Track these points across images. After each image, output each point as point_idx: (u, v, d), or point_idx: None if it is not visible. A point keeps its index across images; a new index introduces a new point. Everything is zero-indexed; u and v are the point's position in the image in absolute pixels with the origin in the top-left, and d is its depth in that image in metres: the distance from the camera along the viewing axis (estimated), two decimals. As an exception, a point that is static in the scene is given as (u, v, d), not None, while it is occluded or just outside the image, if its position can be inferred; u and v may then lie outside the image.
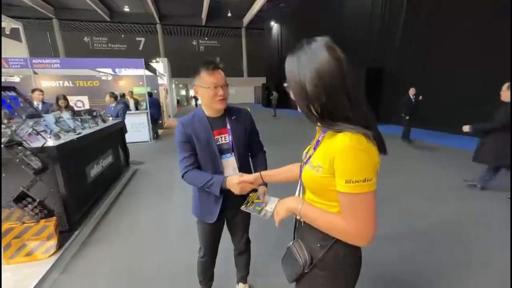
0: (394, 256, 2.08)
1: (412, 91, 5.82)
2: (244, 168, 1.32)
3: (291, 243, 0.90)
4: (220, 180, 1.19)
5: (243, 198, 1.23)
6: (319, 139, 0.79)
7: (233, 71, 27.51)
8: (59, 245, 2.14)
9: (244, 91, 28.19)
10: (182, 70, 24.79)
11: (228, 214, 1.42)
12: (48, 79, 7.46)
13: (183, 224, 2.69)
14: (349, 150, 0.66)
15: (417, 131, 6.83)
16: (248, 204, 1.25)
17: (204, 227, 1.41)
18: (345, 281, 0.81)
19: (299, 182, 0.90)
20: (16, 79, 7.40)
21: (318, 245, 0.81)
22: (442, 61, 7.06)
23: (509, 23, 5.52)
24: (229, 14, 23.58)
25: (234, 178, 1.16)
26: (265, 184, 1.29)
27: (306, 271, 0.82)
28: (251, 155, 1.45)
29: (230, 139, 1.28)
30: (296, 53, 0.73)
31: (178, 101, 24.51)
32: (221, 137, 1.28)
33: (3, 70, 6.28)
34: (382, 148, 0.72)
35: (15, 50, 8.81)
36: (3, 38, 8.25)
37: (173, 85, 18.34)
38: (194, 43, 27.32)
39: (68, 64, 6.55)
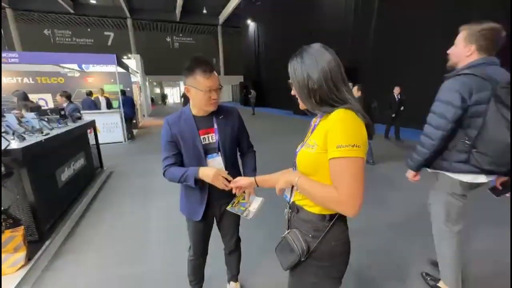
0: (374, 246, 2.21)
1: (396, 90, 6.06)
2: (231, 167, 1.32)
3: (285, 232, 0.94)
4: (194, 171, 1.19)
5: (229, 196, 1.25)
6: (316, 124, 0.87)
7: (210, 69, 27.05)
8: (28, 257, 1.95)
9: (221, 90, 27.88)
10: (156, 67, 23.88)
11: (217, 213, 1.42)
12: (6, 75, 6.76)
13: (163, 229, 2.59)
14: (340, 120, 0.74)
15: (405, 131, 6.92)
16: (234, 204, 1.28)
17: (192, 225, 1.40)
18: (336, 268, 0.87)
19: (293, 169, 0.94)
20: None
21: (310, 235, 0.86)
22: (416, 58, 7.51)
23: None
24: (205, 11, 23.13)
25: (208, 169, 1.18)
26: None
27: (302, 259, 0.86)
28: (241, 154, 1.45)
29: (217, 139, 1.28)
30: (299, 55, 0.84)
31: (152, 100, 23.55)
32: (208, 137, 1.28)
33: None
34: (369, 132, 0.79)
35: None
36: None
37: (147, 83, 17.55)
38: (168, 39, 26.38)
39: (29, 58, 5.96)
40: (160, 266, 2.05)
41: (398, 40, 8.08)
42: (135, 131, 8.55)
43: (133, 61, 11.85)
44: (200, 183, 1.23)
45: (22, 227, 1.96)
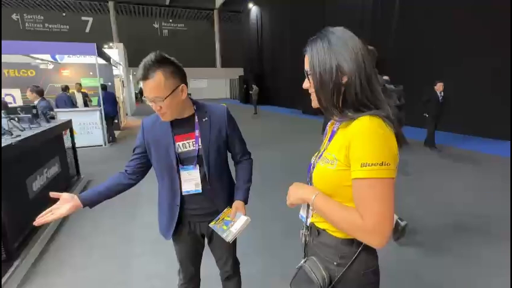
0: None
1: (439, 87, 5.68)
2: (216, 181, 1.28)
3: (302, 262, 0.92)
4: (82, 196, 1.20)
5: (206, 210, 1.29)
6: (334, 130, 0.85)
7: (204, 61, 27.32)
8: (-5, 281, 1.97)
9: (217, 84, 28.05)
10: (140, 58, 23.84)
11: (204, 231, 1.39)
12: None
13: (149, 250, 2.60)
14: (366, 132, 0.70)
15: (443, 135, 6.78)
16: (218, 221, 1.29)
17: (176, 243, 1.40)
18: None
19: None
20: None
21: (335, 263, 0.84)
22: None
23: (509, 23, 6.11)
24: (199, -8, 23.45)
25: (62, 202, 1.14)
26: (245, 200, 1.35)
27: None
28: (234, 163, 1.43)
29: (197, 147, 1.23)
30: (324, 37, 0.77)
31: (137, 96, 23.70)
32: (187, 143, 1.23)
33: None
34: (399, 141, 0.76)
35: None
36: None
37: (131, 76, 17.73)
38: (156, 25, 26.71)
39: (-5, 48, 6.05)
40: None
41: (427, 29, 8.11)
42: (117, 133, 8.61)
43: (115, 51, 11.99)
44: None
45: (-12, 245, 1.98)
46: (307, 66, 0.81)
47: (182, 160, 1.24)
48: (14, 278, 2.12)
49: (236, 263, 1.55)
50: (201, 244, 1.45)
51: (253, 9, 20.72)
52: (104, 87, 7.40)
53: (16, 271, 2.17)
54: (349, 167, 0.73)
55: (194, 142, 1.23)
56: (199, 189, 1.25)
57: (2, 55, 7.06)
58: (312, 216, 0.92)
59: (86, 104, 7.49)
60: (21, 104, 6.96)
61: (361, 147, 0.70)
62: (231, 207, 1.32)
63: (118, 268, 2.34)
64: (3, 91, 7.35)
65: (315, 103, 0.84)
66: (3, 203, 2.15)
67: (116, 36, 23.43)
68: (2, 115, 2.92)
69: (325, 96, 0.79)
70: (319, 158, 0.86)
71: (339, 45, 0.76)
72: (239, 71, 24.36)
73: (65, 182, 3.85)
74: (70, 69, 8.29)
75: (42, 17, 22.92)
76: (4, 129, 2.72)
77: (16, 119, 3.01)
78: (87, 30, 24.23)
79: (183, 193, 1.26)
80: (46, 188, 3.12)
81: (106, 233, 2.92)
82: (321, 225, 0.88)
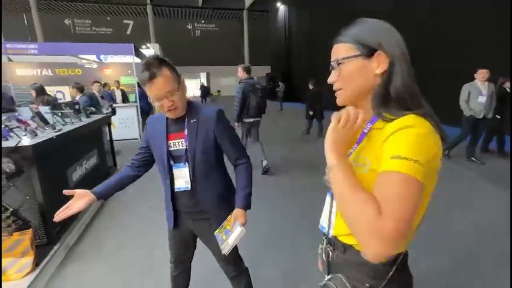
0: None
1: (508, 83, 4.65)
2: (204, 181, 1.27)
3: (325, 280, 0.81)
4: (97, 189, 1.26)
5: (195, 208, 1.29)
6: (364, 131, 0.71)
7: (233, 59, 27.28)
8: (36, 263, 2.05)
9: (246, 82, 28.07)
10: (175, 57, 24.56)
11: (191, 228, 1.38)
12: (24, 66, 7.39)
13: None
14: (412, 128, 0.58)
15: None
16: (221, 229, 1.27)
17: (169, 232, 1.44)
18: None
19: (329, 196, 0.81)
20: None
21: (367, 284, 0.71)
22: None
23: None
24: (229, -6, 23.44)
25: (77, 199, 1.19)
26: (245, 207, 1.28)
27: None
28: (233, 167, 1.39)
29: (185, 146, 1.24)
30: (364, 21, 0.70)
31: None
32: (178, 142, 1.26)
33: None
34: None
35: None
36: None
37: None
38: (189, 26, 27.17)
39: (47, 49, 6.46)
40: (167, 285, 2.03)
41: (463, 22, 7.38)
42: (151, 127, 8.88)
43: (151, 51, 12.35)
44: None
45: (30, 230, 2.06)
46: (338, 55, 0.70)
47: (174, 158, 1.27)
48: (53, 261, 2.20)
49: (237, 266, 1.46)
50: (191, 238, 1.44)
51: (281, 8, 20.35)
52: (139, 84, 7.62)
53: (55, 254, 2.25)
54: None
55: (183, 141, 1.25)
56: (188, 186, 1.26)
57: (55, 56, 7.53)
58: (334, 227, 0.78)
59: (124, 100, 7.78)
60: (69, 100, 7.39)
61: (396, 143, 0.58)
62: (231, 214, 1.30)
63: (148, 255, 2.36)
64: (55, 88, 7.84)
65: (343, 100, 0.72)
66: (46, 191, 2.23)
67: (153, 37, 24.18)
68: (48, 110, 3.05)
69: (359, 89, 0.69)
70: None
71: (381, 29, 0.66)
72: (266, 69, 24.16)
73: (102, 173, 3.99)
74: (111, 68, 8.65)
75: (90, 21, 24.25)
76: (49, 123, 2.84)
77: (60, 114, 3.15)
78: (128, 32, 25.26)
79: (176, 190, 1.28)
80: (85, 178, 3.24)
81: (139, 222, 2.96)
82: (346, 239, 0.74)
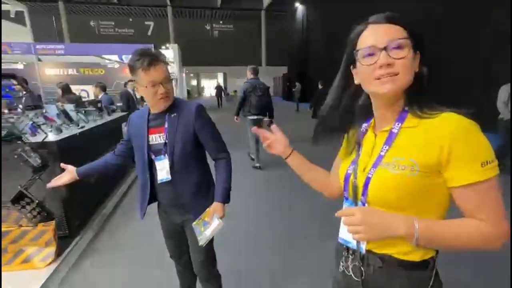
0: None
1: None
2: (183, 173, 1.31)
3: None
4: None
5: (176, 199, 1.32)
6: (394, 131, 0.67)
7: (250, 60, 27.35)
8: (58, 253, 2.15)
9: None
10: (193, 57, 25.17)
11: (174, 220, 1.41)
12: (52, 66, 7.77)
13: None
14: (471, 129, 0.59)
15: None
16: (199, 221, 1.29)
17: (162, 228, 1.50)
18: None
19: (352, 198, 0.75)
20: (20, 66, 7.79)
21: None
22: None
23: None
24: (248, -6, 23.52)
25: (66, 173, 1.39)
26: (224, 201, 1.32)
27: None
28: (213, 161, 1.43)
29: (165, 139, 1.29)
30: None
31: (188, 92, 24.85)
32: (158, 136, 1.31)
33: (6, 56, 6.60)
34: None
35: (20, 35, 9.26)
36: (7, 23, 8.69)
37: (184, 74, 18.60)
38: (208, 27, 27.53)
39: (73, 50, 6.78)
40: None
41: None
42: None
43: (170, 51, 12.61)
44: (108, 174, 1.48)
45: (54, 221, 2.16)
46: (400, 35, 0.62)
47: (155, 151, 1.31)
48: (73, 253, 2.30)
49: (208, 266, 1.44)
50: (181, 230, 1.45)
51: (299, 8, 20.18)
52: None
53: (76, 246, 2.35)
54: (436, 173, 0.61)
55: (163, 135, 1.29)
56: (169, 176, 1.29)
57: (80, 56, 7.88)
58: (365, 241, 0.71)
59: (142, 99, 8.01)
60: (93, 98, 7.70)
61: (474, 144, 0.58)
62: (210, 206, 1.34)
63: (162, 249, 2.40)
64: (79, 87, 8.20)
65: (397, 87, 0.62)
66: (69, 185, 2.32)
67: (172, 38, 24.71)
68: (73, 107, 3.19)
69: (410, 80, 0.64)
70: (375, 165, 0.67)
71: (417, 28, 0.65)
72: (283, 69, 24.04)
73: (122, 168, 4.12)
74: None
75: (113, 23, 25.15)
76: (73, 120, 2.97)
77: (83, 111, 3.28)
78: (149, 33, 25.95)
79: (159, 181, 1.31)
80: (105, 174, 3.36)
81: (156, 216, 3.02)
82: (382, 249, 0.69)
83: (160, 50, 8.71)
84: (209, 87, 34.97)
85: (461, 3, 7.92)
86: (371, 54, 0.63)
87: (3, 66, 7.62)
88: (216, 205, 1.31)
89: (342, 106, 0.77)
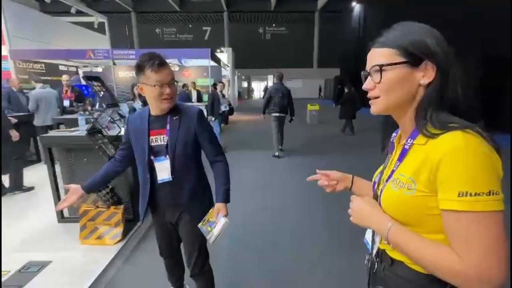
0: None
1: None
2: (183, 174, 1.35)
3: None
4: (84, 184, 1.43)
5: (175, 198, 1.36)
6: (406, 147, 0.66)
7: (301, 62, 27.17)
8: (124, 234, 2.44)
9: (312, 85, 27.53)
10: (245, 60, 25.96)
11: (169, 219, 1.44)
12: (124, 69, 8.80)
13: (243, 230, 2.73)
14: (465, 151, 0.53)
15: None
16: (204, 222, 1.34)
17: (154, 226, 1.55)
18: None
19: None
20: (99, 69, 9.01)
21: None
22: None
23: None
24: (303, -4, 23.34)
25: (71, 194, 1.40)
26: (225, 201, 1.40)
27: None
28: (210, 164, 1.48)
29: (167, 141, 1.32)
30: (404, 24, 0.67)
31: (239, 94, 25.68)
32: (159, 138, 1.33)
33: (89, 60, 7.70)
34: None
35: (100, 42, 10.69)
36: (91, 32, 10.12)
37: (236, 77, 19.30)
38: (260, 30, 28.10)
39: (142, 55, 7.57)
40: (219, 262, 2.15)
41: None
42: (222, 125, 9.52)
43: (224, 55, 13.23)
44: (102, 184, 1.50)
45: (122, 205, 2.46)
46: (378, 60, 0.65)
47: (155, 153, 1.34)
48: (136, 235, 2.58)
49: (202, 262, 1.50)
50: (174, 230, 1.50)
51: (357, 7, 19.30)
52: (215, 85, 8.26)
53: (138, 230, 2.63)
54: (433, 192, 0.58)
55: (164, 137, 1.33)
56: (170, 176, 1.33)
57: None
58: (380, 241, 0.75)
59: (199, 100, 8.55)
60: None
61: (459, 170, 0.53)
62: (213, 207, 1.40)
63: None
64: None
65: (379, 109, 0.68)
66: (136, 174, 2.63)
67: (227, 41, 25.84)
68: (140, 106, 3.59)
69: (400, 99, 0.65)
70: (388, 179, 0.69)
71: (428, 35, 0.62)
72: (335, 72, 23.23)
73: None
74: (190, 71, 9.60)
75: (174, 29, 27.39)
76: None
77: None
78: (206, 37, 27.59)
79: (159, 181, 1.34)
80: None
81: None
82: (395, 255, 0.70)
83: (216, 53, 9.20)
84: (258, 89, 35.63)
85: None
86: (366, 76, 0.70)
87: (88, 69, 8.92)
88: (219, 205, 1.38)
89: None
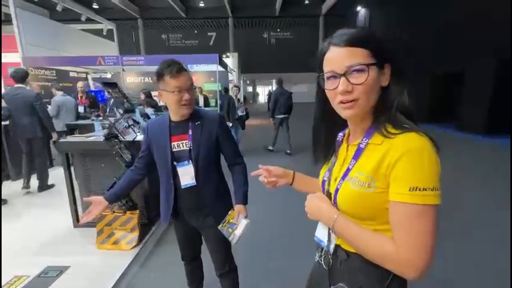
0: None
1: None
2: (205, 178, 1.37)
3: None
4: (107, 194, 1.44)
5: (198, 204, 1.38)
6: (361, 146, 0.70)
7: (306, 66, 27.22)
8: (140, 239, 2.45)
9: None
10: (250, 65, 26.10)
11: (193, 224, 1.46)
12: (132, 75, 8.92)
13: (264, 237, 2.71)
14: (422, 152, 0.59)
15: None
16: (224, 224, 1.36)
17: (176, 231, 1.57)
18: None
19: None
20: (108, 75, 9.15)
21: None
22: None
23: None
24: (307, 1, 23.45)
25: (95, 206, 1.39)
26: (245, 202, 1.43)
27: None
28: (228, 166, 1.51)
29: (189, 146, 1.34)
30: (377, 29, 0.67)
31: (245, 98, 25.74)
32: (181, 143, 1.35)
33: (99, 67, 7.83)
34: None
35: (108, 48, 10.87)
36: (100, 38, 10.31)
37: (241, 81, 19.41)
38: (265, 35, 28.26)
39: (151, 61, 7.66)
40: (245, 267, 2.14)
41: None
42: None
43: (230, 60, 13.34)
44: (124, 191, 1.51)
45: (138, 210, 2.48)
46: (354, 60, 0.62)
47: (177, 158, 1.35)
48: (151, 239, 2.59)
49: (229, 263, 1.55)
50: (196, 234, 1.53)
51: (361, 12, 19.35)
52: (226, 90, 8.31)
53: (153, 234, 2.64)
54: (387, 188, 0.63)
55: (187, 142, 1.34)
56: (194, 181, 1.35)
57: (152, 67, 8.88)
58: (336, 237, 0.77)
59: (206, 105, 8.61)
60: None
61: (413, 169, 0.59)
62: (233, 209, 1.44)
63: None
64: (154, 93, 9.20)
65: (357, 113, 0.66)
66: (150, 180, 2.65)
67: (232, 47, 26.05)
68: (153, 111, 3.62)
69: (373, 101, 0.67)
70: (344, 177, 0.72)
71: (379, 35, 0.65)
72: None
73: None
74: (196, 76, 9.68)
75: (180, 35, 27.70)
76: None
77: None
78: (211, 43, 27.83)
79: (182, 187, 1.36)
80: (176, 172, 3.71)
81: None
82: (350, 248, 0.73)
83: (222, 58, 9.28)
84: (263, 94, 35.71)
85: None
86: (333, 77, 0.65)
87: (97, 75, 9.06)
88: (239, 207, 1.42)
89: (326, 117, 0.80)
